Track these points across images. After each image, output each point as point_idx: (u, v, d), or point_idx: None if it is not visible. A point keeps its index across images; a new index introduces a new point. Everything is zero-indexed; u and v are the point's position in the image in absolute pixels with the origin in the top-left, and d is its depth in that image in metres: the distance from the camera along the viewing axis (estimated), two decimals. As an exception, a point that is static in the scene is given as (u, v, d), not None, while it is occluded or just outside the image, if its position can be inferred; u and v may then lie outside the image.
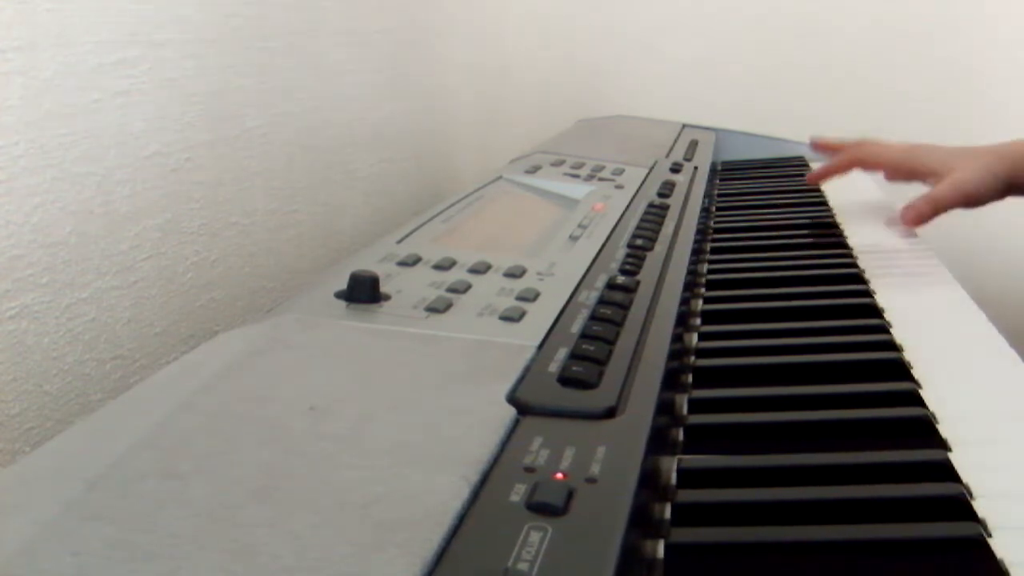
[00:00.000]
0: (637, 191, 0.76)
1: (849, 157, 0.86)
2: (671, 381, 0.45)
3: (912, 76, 1.31)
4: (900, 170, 0.83)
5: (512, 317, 0.44)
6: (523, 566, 0.25)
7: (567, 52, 1.40)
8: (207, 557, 0.25)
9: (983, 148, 0.79)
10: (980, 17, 1.29)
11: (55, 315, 0.57)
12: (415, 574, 0.25)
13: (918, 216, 0.76)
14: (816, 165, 1.04)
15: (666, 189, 0.78)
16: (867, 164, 0.86)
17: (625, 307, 0.48)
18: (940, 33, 1.30)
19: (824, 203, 0.86)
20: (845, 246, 0.72)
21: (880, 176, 0.87)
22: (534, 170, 0.83)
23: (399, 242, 0.57)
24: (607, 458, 0.32)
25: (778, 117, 1.28)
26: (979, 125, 1.31)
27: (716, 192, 0.93)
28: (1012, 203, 0.78)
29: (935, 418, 0.42)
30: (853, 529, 0.34)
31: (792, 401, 0.45)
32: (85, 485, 0.28)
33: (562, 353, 0.41)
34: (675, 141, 1.05)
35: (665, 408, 0.41)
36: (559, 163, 0.86)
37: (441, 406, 0.35)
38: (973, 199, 0.76)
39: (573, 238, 0.60)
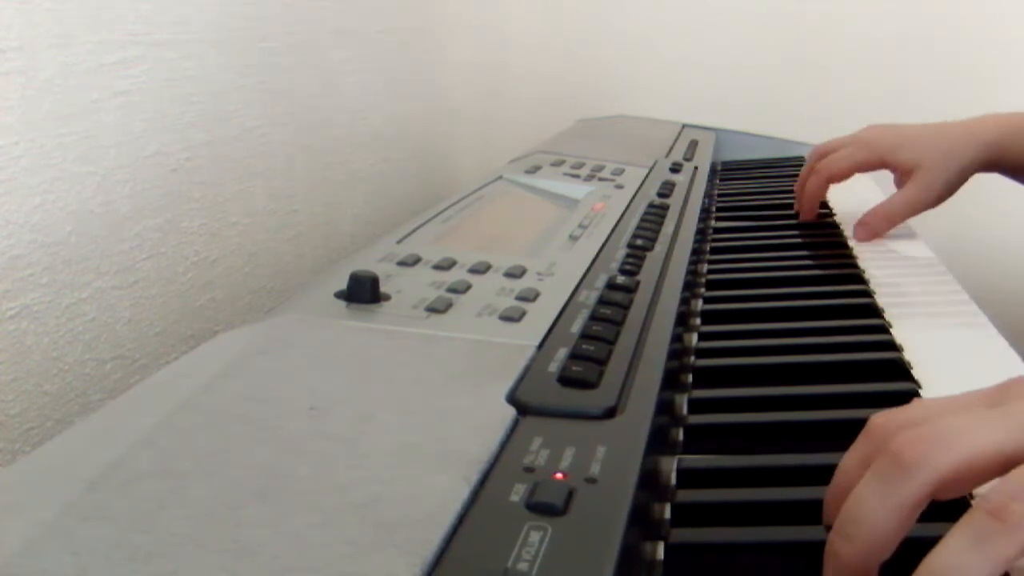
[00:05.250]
0: (637, 191, 0.76)
1: (818, 180, 0.79)
2: (671, 381, 0.45)
3: (914, 75, 1.31)
4: (870, 167, 0.78)
5: (512, 317, 0.44)
6: (523, 566, 0.25)
7: (567, 52, 1.40)
8: (207, 557, 0.25)
9: (950, 130, 0.74)
10: (982, 16, 1.29)
11: (55, 315, 0.57)
12: (415, 574, 0.25)
13: (871, 234, 0.73)
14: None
15: (666, 189, 0.78)
16: (836, 179, 0.79)
17: (625, 307, 0.48)
18: (942, 32, 1.30)
19: (824, 203, 0.86)
20: (845, 246, 0.72)
21: (878, 174, 0.82)
22: (534, 170, 0.83)
23: (399, 242, 0.57)
24: (607, 458, 0.32)
25: (778, 117, 1.28)
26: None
27: (716, 192, 0.93)
28: (1013, 201, 0.77)
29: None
30: (853, 529, 0.34)
31: (792, 401, 0.45)
32: (85, 485, 0.28)
33: (562, 353, 0.41)
34: (675, 141, 1.05)
35: (665, 408, 0.41)
36: (559, 163, 0.86)
37: (441, 406, 0.35)
38: (936, 202, 0.73)
39: (573, 238, 0.60)
